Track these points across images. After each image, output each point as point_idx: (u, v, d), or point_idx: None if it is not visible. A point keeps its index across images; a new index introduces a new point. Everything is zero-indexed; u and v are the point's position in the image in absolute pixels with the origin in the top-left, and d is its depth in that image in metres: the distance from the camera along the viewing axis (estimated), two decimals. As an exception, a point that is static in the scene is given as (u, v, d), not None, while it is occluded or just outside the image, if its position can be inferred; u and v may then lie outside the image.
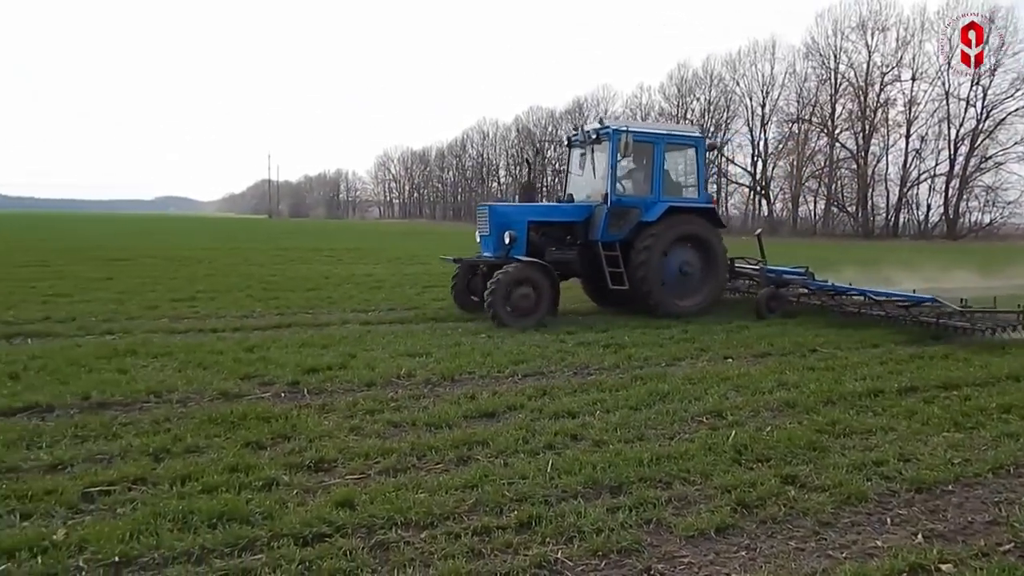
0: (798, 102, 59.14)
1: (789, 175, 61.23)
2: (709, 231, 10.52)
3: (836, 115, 56.54)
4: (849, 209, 57.58)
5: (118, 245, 25.05)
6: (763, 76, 62.12)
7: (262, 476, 3.88)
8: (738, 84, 63.33)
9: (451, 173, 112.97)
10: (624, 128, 9.78)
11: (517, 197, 12.55)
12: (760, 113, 62.68)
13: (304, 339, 7.92)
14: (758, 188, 64.06)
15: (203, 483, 3.75)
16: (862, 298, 9.80)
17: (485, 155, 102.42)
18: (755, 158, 63.90)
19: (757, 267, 11.45)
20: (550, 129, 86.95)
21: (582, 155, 10.80)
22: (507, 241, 9.67)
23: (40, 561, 2.95)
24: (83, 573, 2.90)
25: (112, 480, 3.79)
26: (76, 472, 3.93)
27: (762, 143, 62.99)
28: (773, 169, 63.27)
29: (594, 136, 10.42)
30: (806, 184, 59.93)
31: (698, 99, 68.98)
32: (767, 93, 61.84)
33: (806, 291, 10.77)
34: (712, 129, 65.80)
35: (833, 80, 55.51)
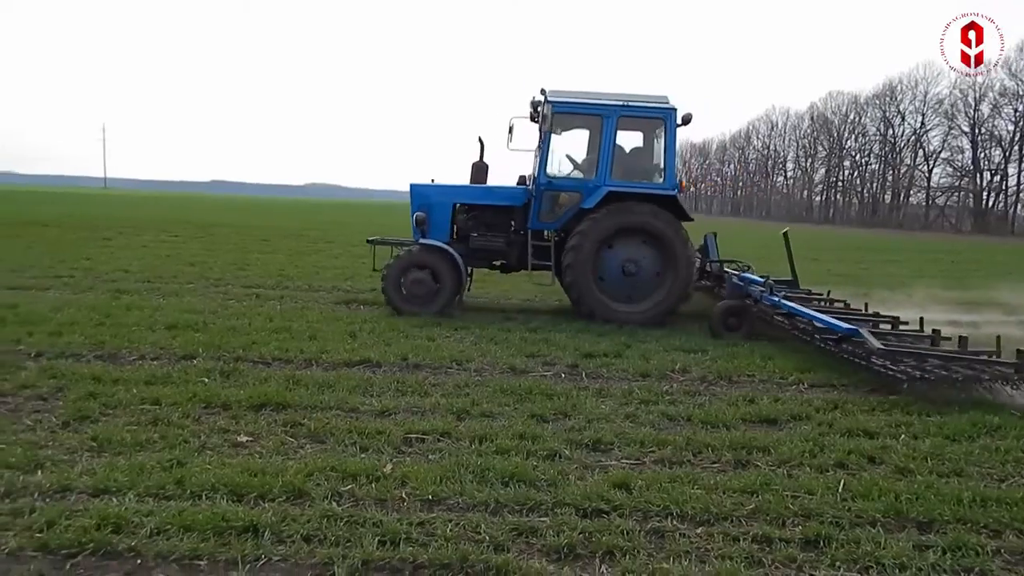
0: None
1: None
2: (664, 224, 8.55)
3: None
4: None
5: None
6: None
7: (546, 447, 4.19)
8: (1123, 51, 49.93)
9: (732, 166, 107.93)
10: (544, 98, 8.50)
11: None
12: None
13: (580, 326, 8.27)
14: None
15: (497, 445, 4.18)
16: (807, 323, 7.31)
17: (772, 146, 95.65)
18: None
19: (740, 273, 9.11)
20: (851, 117, 77.98)
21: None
22: (414, 223, 8.95)
23: (374, 487, 3.57)
24: (405, 503, 3.44)
25: (425, 430, 4.42)
26: (398, 419, 4.66)
27: None
28: None
29: (532, 109, 9.21)
30: None
31: (1058, 73, 56.08)
32: None
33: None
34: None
35: None
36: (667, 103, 8.96)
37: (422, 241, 8.80)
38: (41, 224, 21.72)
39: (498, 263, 9.38)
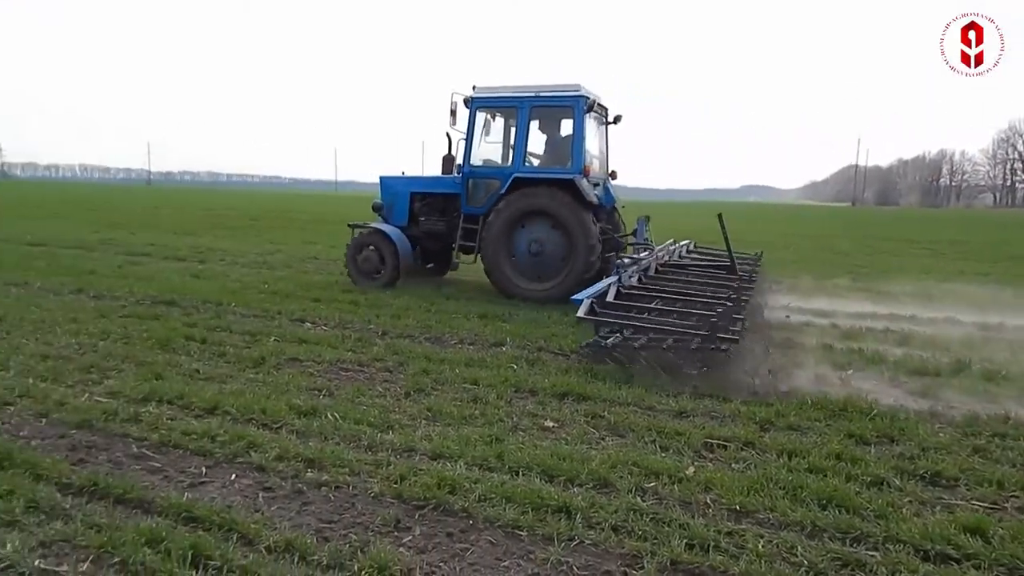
0: None
1: None
2: (562, 206, 8.99)
3: None
4: None
5: (709, 227, 27.82)
6: None
7: (869, 473, 3.72)
8: None
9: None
10: (459, 94, 9.56)
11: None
12: None
13: (903, 335, 7.24)
14: None
15: (809, 463, 3.84)
16: None
17: None
18: None
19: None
20: None
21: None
22: (373, 208, 10.67)
23: (677, 488, 3.53)
24: (710, 510, 3.34)
25: (726, 437, 4.25)
26: (696, 422, 4.55)
27: None
28: None
29: (464, 105, 9.74)
30: None
31: None
32: None
33: None
34: None
35: None
36: (577, 91, 9.27)
37: (370, 224, 10.19)
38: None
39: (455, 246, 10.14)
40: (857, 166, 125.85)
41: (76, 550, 2.88)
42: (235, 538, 2.98)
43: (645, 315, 6.44)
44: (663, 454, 4.00)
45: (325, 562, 2.83)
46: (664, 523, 3.16)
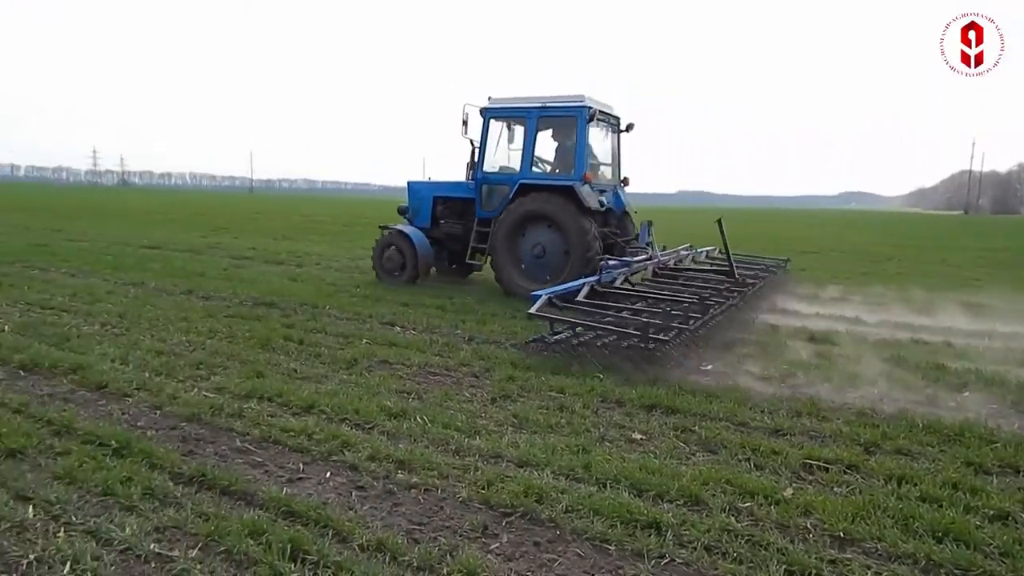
0: None
1: None
2: (562, 211, 9.37)
3: None
4: None
5: (803, 236, 26.64)
6: None
7: (991, 505, 3.43)
8: None
9: None
10: (471, 105, 10.06)
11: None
12: None
13: (1020, 356, 6.64)
14: None
15: (921, 490, 3.58)
16: None
17: None
18: None
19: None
20: None
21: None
22: (399, 211, 11.56)
23: (774, 510, 3.37)
24: (810, 535, 3.16)
25: (827, 459, 4.02)
26: (794, 441, 4.34)
27: None
28: None
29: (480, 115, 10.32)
30: None
31: None
32: None
33: None
34: None
35: None
36: (581, 102, 9.61)
37: (392, 226, 10.90)
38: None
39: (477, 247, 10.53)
40: (971, 171, 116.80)
41: (187, 536, 3.06)
42: (330, 535, 3.08)
43: (606, 314, 6.63)
44: (758, 473, 3.84)
45: (415, 564, 2.87)
46: (760, 546, 3.02)
